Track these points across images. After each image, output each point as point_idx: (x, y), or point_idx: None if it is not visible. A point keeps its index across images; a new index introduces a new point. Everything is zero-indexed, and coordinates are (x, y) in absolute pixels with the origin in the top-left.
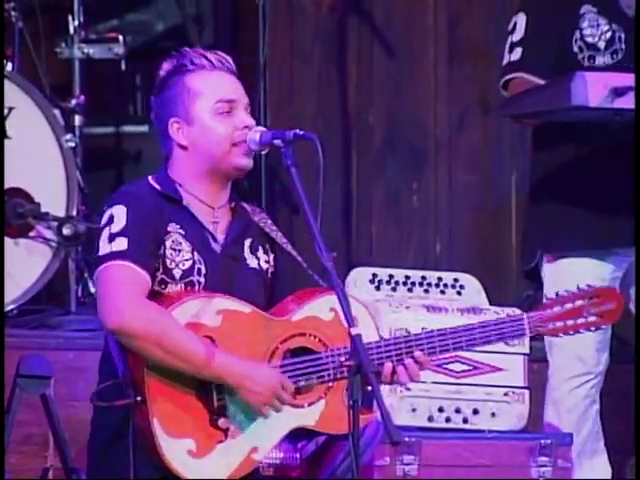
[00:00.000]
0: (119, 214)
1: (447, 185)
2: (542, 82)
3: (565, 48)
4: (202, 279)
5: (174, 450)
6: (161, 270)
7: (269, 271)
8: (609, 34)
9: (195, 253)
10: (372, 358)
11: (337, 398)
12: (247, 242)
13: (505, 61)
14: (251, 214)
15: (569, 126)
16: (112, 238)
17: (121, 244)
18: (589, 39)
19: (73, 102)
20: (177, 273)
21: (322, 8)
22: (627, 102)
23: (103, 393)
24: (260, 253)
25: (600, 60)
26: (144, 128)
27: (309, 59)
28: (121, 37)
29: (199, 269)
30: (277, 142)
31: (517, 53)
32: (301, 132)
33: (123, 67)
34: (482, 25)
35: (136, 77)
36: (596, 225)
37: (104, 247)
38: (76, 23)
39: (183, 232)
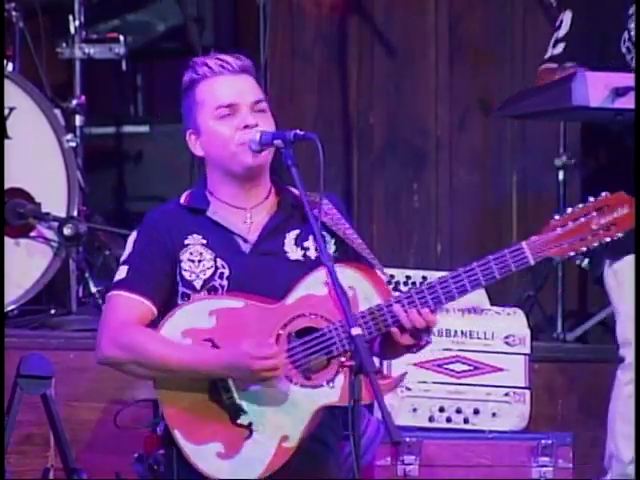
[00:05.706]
0: (130, 241)
1: (448, 185)
2: None
3: (613, 49)
4: (224, 282)
5: (203, 456)
6: (180, 284)
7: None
8: None
9: (218, 260)
10: (384, 319)
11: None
12: (291, 234)
13: (547, 55)
14: (307, 205)
15: (619, 125)
16: (118, 267)
17: (121, 273)
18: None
19: (74, 102)
20: (198, 283)
21: (323, 9)
22: (628, 102)
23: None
24: (309, 243)
25: None
26: (145, 128)
27: (310, 59)
28: (122, 37)
29: (221, 274)
30: (277, 142)
31: (559, 47)
32: (301, 132)
33: (124, 67)
34: (483, 25)
35: (137, 77)
36: None
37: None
38: (77, 23)
39: (205, 241)
